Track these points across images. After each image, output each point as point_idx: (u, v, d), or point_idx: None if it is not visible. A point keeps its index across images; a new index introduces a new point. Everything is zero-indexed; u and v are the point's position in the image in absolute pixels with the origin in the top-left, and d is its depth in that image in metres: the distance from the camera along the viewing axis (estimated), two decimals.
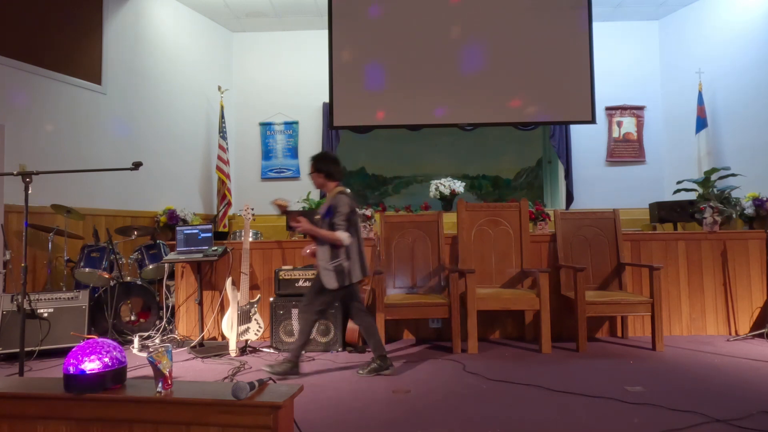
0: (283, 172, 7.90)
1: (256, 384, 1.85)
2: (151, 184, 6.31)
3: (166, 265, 4.91)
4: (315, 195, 7.48)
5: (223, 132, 7.30)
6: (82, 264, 4.64)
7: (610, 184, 7.61)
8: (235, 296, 4.16)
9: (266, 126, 7.94)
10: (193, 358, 4.08)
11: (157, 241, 5.20)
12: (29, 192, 3.06)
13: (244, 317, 4.16)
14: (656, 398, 2.91)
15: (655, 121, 7.69)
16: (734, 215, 5.45)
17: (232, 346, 4.11)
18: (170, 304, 4.90)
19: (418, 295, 4.48)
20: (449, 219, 5.00)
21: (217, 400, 1.79)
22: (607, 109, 7.66)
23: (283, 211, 3.51)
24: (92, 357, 1.90)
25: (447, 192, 7.32)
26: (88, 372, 1.87)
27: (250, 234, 4.37)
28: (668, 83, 7.59)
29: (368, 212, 4.88)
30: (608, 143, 7.72)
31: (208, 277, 4.74)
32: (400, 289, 4.64)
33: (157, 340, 4.54)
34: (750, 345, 4.18)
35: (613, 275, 4.56)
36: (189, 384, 2.11)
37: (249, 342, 4.21)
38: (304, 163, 7.86)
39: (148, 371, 2.67)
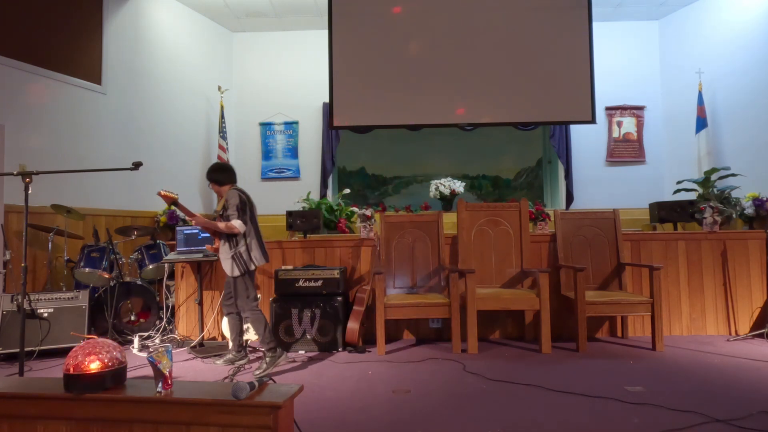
0: (283, 172, 7.90)
1: (256, 384, 1.85)
2: (151, 184, 6.30)
3: (166, 265, 4.91)
4: (315, 195, 7.50)
5: (223, 132, 7.31)
6: (82, 264, 4.64)
7: (610, 184, 7.61)
8: None
9: (266, 126, 7.94)
10: (193, 358, 4.08)
11: (157, 241, 5.20)
12: (29, 192, 3.06)
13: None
14: (656, 398, 2.91)
15: (655, 121, 7.69)
16: (734, 215, 5.45)
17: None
18: (170, 304, 4.90)
19: (418, 295, 4.48)
20: (449, 219, 5.00)
21: (217, 400, 1.79)
22: (607, 109, 7.66)
23: (171, 202, 3.52)
24: (92, 357, 1.90)
25: (447, 192, 7.32)
26: (88, 372, 1.88)
27: None
28: (668, 83, 7.59)
29: (368, 212, 4.88)
30: (608, 143, 7.72)
31: (208, 277, 4.74)
32: (400, 289, 4.64)
33: (157, 340, 4.54)
34: (750, 345, 4.18)
35: (613, 275, 4.56)
36: (189, 384, 2.11)
37: (249, 342, 4.21)
38: (305, 163, 7.90)
39: (148, 371, 2.67)
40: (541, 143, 8.63)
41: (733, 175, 6.01)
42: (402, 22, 6.53)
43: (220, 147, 7.24)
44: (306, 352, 4.21)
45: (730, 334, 4.59)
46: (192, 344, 4.39)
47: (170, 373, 1.88)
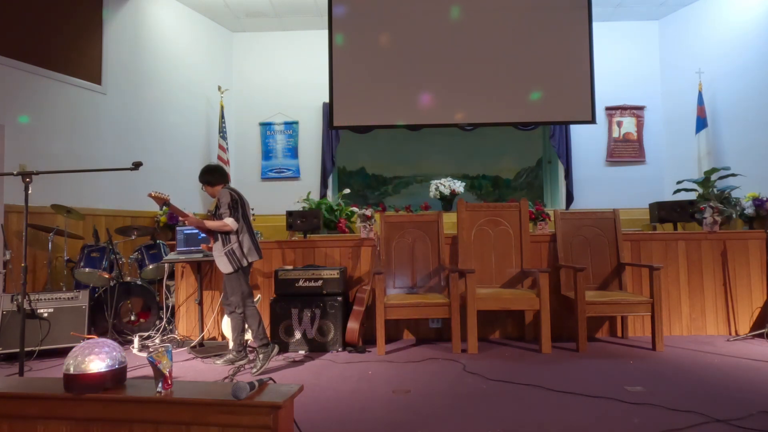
0: (283, 172, 7.90)
1: (256, 384, 1.85)
2: (151, 184, 6.27)
3: (166, 265, 4.91)
4: (315, 195, 7.50)
5: (223, 132, 7.31)
6: (82, 264, 4.64)
7: (610, 184, 7.61)
8: None
9: (266, 126, 7.94)
10: (193, 358, 4.08)
11: (157, 241, 5.20)
12: (29, 192, 3.06)
13: None
14: (656, 398, 2.91)
15: (655, 121, 7.69)
16: (734, 215, 5.45)
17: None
18: (170, 304, 4.90)
19: (418, 295, 4.47)
20: (449, 219, 5.00)
21: (217, 400, 1.79)
22: (607, 109, 7.66)
23: (162, 203, 3.54)
24: (92, 357, 1.90)
25: (447, 192, 7.32)
26: (88, 372, 1.88)
27: None
28: (668, 83, 7.59)
29: (368, 212, 4.88)
30: (608, 143, 7.72)
31: (208, 277, 4.74)
32: (400, 289, 4.64)
33: (157, 340, 4.54)
34: (750, 345, 4.18)
35: (613, 275, 4.56)
36: (189, 384, 2.11)
37: (249, 342, 4.20)
38: (305, 163, 7.90)
39: (148, 371, 2.67)
40: (541, 143, 8.64)
41: (733, 175, 6.01)
42: (402, 22, 6.53)
43: (220, 147, 7.24)
44: (306, 352, 4.21)
45: (730, 334, 4.59)
46: (192, 344, 4.39)
47: (170, 373, 1.88)
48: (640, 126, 7.70)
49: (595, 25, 6.57)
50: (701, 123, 6.77)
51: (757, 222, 5.22)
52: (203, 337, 4.55)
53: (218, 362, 3.85)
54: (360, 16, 6.54)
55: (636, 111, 7.70)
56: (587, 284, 4.43)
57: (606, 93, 7.38)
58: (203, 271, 4.67)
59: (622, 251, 4.58)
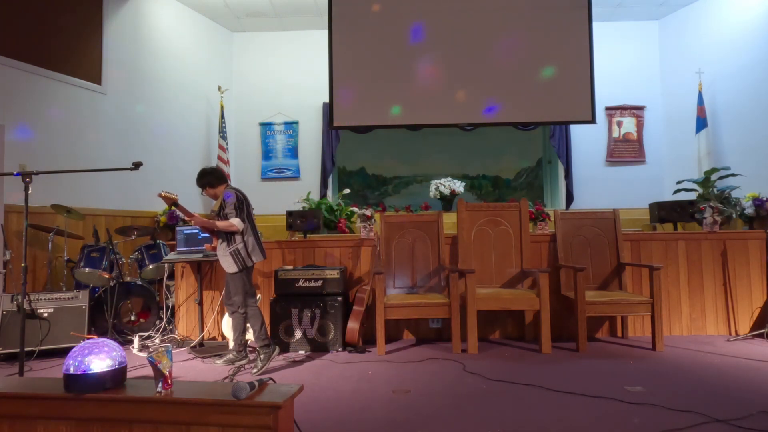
0: (283, 172, 7.90)
1: (256, 384, 1.85)
2: (151, 184, 6.30)
3: (166, 265, 4.91)
4: (315, 195, 7.50)
5: (223, 132, 7.30)
6: (82, 264, 4.64)
7: (610, 184, 7.61)
8: None
9: (266, 126, 7.94)
10: (193, 358, 4.08)
11: (157, 241, 5.20)
12: (29, 192, 3.06)
13: None
14: (656, 398, 2.91)
15: (655, 121, 7.69)
16: (734, 215, 5.45)
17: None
18: (170, 304, 4.90)
19: (418, 295, 4.47)
20: (449, 219, 5.00)
21: (217, 400, 1.79)
22: (607, 109, 7.66)
23: (171, 203, 3.55)
24: (92, 357, 1.90)
25: (447, 192, 7.32)
26: (88, 372, 1.88)
27: None
28: (668, 83, 7.59)
29: (368, 212, 4.88)
30: (608, 143, 7.72)
31: (208, 277, 4.74)
32: (400, 289, 4.64)
33: (157, 340, 4.54)
34: (750, 345, 4.18)
35: (613, 275, 4.56)
36: (189, 384, 2.11)
37: (249, 342, 4.20)
38: (305, 163, 7.90)
39: (148, 371, 2.67)
40: (541, 143, 8.63)
41: (733, 175, 6.01)
42: (402, 22, 6.53)
43: (220, 147, 7.24)
44: (306, 352, 4.21)
45: (730, 334, 4.59)
46: (192, 344, 4.39)
47: (170, 373, 1.88)
48: (640, 126, 7.70)
49: (595, 25, 6.57)
50: (701, 123, 6.77)
51: (757, 222, 5.22)
52: (203, 337, 4.55)
53: (218, 362, 3.85)
54: (360, 16, 6.54)
55: (636, 111, 7.70)
56: (587, 284, 4.43)
57: (606, 93, 7.38)
58: (203, 271, 4.67)
59: (622, 251, 4.58)
